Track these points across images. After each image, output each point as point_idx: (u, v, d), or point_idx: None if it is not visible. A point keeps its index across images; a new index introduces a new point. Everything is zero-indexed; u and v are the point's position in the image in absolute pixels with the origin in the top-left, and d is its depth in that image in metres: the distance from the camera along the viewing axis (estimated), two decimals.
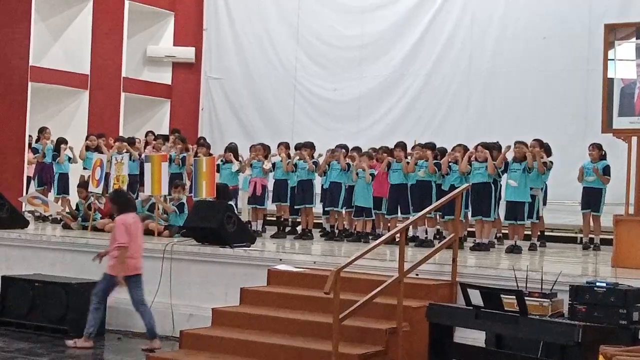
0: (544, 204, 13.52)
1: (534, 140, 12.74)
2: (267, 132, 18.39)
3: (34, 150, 15.81)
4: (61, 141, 15.82)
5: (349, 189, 13.43)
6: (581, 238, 13.94)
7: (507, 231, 12.77)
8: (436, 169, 12.41)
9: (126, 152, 14.47)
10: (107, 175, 14.12)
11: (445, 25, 17.86)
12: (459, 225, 10.28)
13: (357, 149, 14.10)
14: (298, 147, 14.10)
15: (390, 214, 12.94)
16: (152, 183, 12.86)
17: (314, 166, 13.50)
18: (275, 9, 19.81)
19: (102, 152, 14.89)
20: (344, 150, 13.78)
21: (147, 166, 13.02)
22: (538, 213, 12.69)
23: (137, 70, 20.35)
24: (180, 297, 10.87)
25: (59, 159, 15.63)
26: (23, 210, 15.43)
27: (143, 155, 13.66)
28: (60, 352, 9.80)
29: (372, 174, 13.09)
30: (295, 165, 13.75)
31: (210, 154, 13.85)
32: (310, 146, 13.84)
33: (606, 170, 12.98)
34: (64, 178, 15.62)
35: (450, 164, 12.48)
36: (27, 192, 15.85)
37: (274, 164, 13.93)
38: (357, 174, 13.16)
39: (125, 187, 13.27)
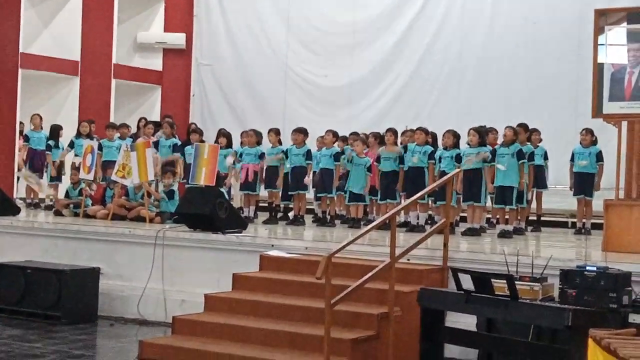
0: (545, 187, 13.59)
1: (519, 125, 12.73)
2: (259, 118, 18.33)
3: (26, 138, 15.74)
4: (57, 127, 15.76)
5: (346, 174, 13.40)
6: (572, 222, 13.97)
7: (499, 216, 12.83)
8: (435, 160, 12.45)
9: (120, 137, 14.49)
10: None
11: (436, 11, 17.85)
12: (450, 211, 10.31)
13: (354, 134, 14.08)
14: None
15: (382, 200, 12.96)
16: (139, 170, 12.82)
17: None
18: None
19: (92, 139, 14.82)
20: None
21: (133, 154, 12.94)
22: (525, 197, 12.72)
23: (127, 57, 20.28)
24: (172, 283, 10.89)
25: (57, 144, 15.52)
26: (15, 197, 15.40)
27: (129, 144, 13.56)
28: (53, 338, 9.82)
29: (366, 164, 13.02)
30: (289, 151, 13.74)
31: (203, 141, 13.80)
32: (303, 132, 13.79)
33: (599, 156, 13.00)
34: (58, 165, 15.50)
35: (441, 150, 12.54)
36: (18, 180, 15.81)
37: (262, 153, 13.87)
38: (349, 160, 13.15)
39: (129, 177, 13.19)
